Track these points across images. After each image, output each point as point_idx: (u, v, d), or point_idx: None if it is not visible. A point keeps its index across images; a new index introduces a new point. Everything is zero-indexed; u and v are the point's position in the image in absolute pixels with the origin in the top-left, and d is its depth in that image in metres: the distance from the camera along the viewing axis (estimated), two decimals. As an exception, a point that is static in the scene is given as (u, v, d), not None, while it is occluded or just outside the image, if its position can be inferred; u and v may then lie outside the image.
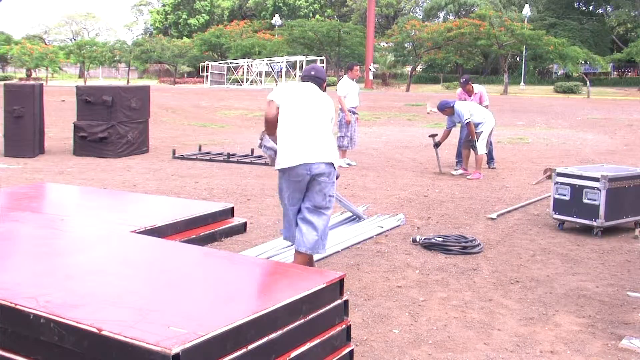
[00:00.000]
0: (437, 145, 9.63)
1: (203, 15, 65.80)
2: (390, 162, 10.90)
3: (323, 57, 45.80)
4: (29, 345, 2.61)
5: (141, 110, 11.51)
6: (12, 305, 2.66)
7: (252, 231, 5.81)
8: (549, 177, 6.98)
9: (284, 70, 48.30)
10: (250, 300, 2.82)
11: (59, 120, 15.84)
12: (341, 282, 3.12)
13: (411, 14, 60.00)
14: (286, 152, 4.04)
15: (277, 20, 55.04)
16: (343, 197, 6.35)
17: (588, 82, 38.87)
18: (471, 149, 9.37)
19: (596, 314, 3.97)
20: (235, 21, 57.19)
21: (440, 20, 54.56)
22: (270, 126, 4.21)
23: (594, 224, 5.92)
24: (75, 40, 67.00)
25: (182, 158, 10.80)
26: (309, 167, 3.98)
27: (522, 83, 44.92)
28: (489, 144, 9.88)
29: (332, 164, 4.08)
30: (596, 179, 5.88)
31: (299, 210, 4.12)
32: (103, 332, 2.38)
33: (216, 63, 49.67)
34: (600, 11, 53.90)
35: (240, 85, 47.13)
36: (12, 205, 5.19)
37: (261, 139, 4.30)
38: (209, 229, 5.37)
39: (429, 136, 10.06)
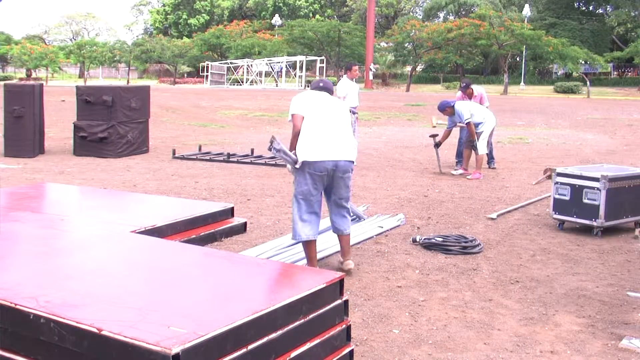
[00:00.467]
0: (437, 145, 9.63)
1: (203, 15, 65.81)
2: (390, 162, 10.90)
3: (323, 57, 45.80)
4: (29, 345, 2.61)
5: (141, 110, 11.51)
6: (12, 305, 2.66)
7: (252, 231, 5.81)
8: (549, 177, 6.97)
9: (284, 70, 48.32)
10: (250, 300, 2.82)
11: (59, 120, 15.83)
12: (341, 282, 3.12)
13: (411, 14, 59.97)
14: (312, 147, 4.41)
15: (277, 20, 55.06)
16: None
17: (588, 82, 38.88)
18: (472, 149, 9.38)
19: (596, 314, 3.97)
20: (235, 21, 57.20)
21: (440, 20, 54.57)
22: (298, 138, 4.52)
23: (594, 224, 5.92)
24: (75, 40, 67.01)
25: (182, 158, 10.80)
26: (336, 164, 4.46)
27: (522, 83, 44.92)
28: (489, 144, 9.90)
29: (353, 162, 4.65)
30: (596, 179, 5.88)
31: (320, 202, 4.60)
32: (103, 332, 2.38)
33: (216, 63, 49.68)
34: (600, 11, 53.91)
35: (240, 85, 47.14)
36: (12, 205, 5.19)
37: (271, 142, 4.36)
38: (209, 229, 5.37)
39: (430, 136, 10.06)
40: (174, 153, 10.99)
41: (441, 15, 56.32)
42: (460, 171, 9.54)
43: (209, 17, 66.04)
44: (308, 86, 46.59)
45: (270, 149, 4.36)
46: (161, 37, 58.08)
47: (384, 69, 50.42)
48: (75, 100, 11.44)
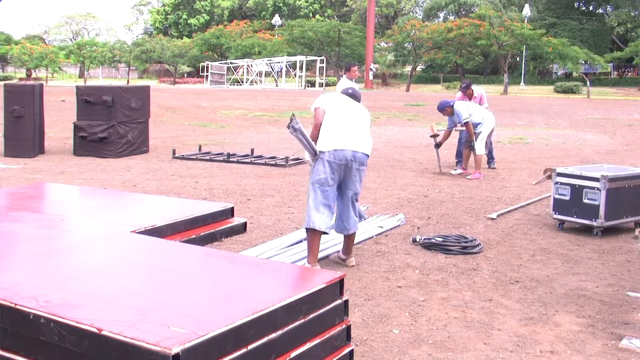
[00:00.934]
0: (438, 145, 9.64)
1: (203, 15, 65.81)
2: (390, 162, 10.90)
3: (323, 57, 45.82)
4: (29, 345, 2.61)
5: (141, 110, 11.51)
6: (12, 305, 2.66)
7: (252, 231, 5.81)
8: (549, 177, 6.96)
9: (284, 70, 48.34)
10: (250, 300, 2.82)
11: (59, 120, 15.83)
12: (341, 282, 3.12)
13: (411, 14, 59.98)
14: (334, 137, 4.57)
15: (277, 20, 55.07)
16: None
17: (588, 82, 38.88)
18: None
19: (596, 314, 3.97)
20: (235, 21, 57.21)
21: (440, 20, 54.55)
22: (319, 130, 4.66)
23: (594, 224, 5.92)
24: (75, 40, 67.00)
25: (182, 158, 10.80)
26: (354, 154, 4.58)
27: (522, 83, 44.92)
28: (489, 144, 9.90)
29: (368, 156, 4.76)
30: (596, 179, 5.88)
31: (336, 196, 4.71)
32: (103, 332, 2.38)
33: (216, 63, 49.71)
34: (600, 11, 53.91)
35: (240, 85, 47.16)
36: (12, 205, 5.19)
37: (291, 120, 4.48)
38: (209, 229, 5.37)
39: (430, 136, 10.07)
40: (174, 153, 10.99)
41: (441, 15, 56.31)
42: (460, 171, 9.55)
43: (209, 17, 66.04)
44: (308, 86, 46.65)
45: (289, 127, 4.49)
46: (161, 37, 58.10)
47: (384, 69, 50.41)
48: (75, 100, 11.44)
